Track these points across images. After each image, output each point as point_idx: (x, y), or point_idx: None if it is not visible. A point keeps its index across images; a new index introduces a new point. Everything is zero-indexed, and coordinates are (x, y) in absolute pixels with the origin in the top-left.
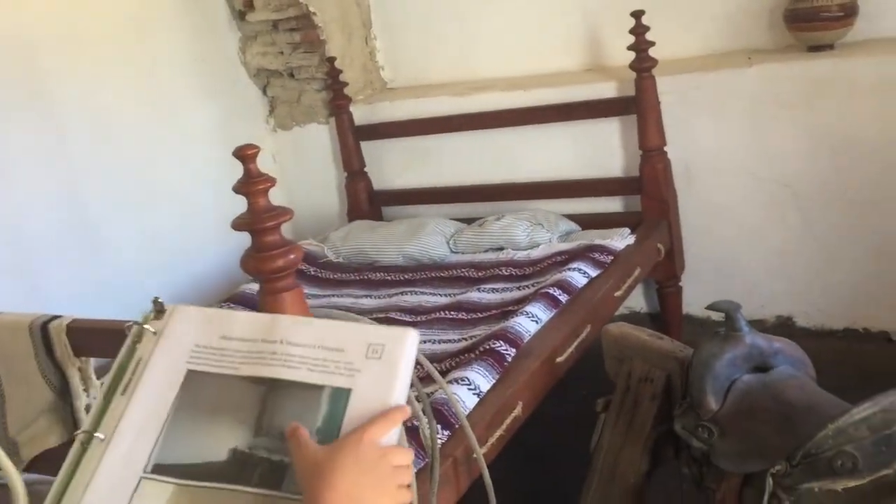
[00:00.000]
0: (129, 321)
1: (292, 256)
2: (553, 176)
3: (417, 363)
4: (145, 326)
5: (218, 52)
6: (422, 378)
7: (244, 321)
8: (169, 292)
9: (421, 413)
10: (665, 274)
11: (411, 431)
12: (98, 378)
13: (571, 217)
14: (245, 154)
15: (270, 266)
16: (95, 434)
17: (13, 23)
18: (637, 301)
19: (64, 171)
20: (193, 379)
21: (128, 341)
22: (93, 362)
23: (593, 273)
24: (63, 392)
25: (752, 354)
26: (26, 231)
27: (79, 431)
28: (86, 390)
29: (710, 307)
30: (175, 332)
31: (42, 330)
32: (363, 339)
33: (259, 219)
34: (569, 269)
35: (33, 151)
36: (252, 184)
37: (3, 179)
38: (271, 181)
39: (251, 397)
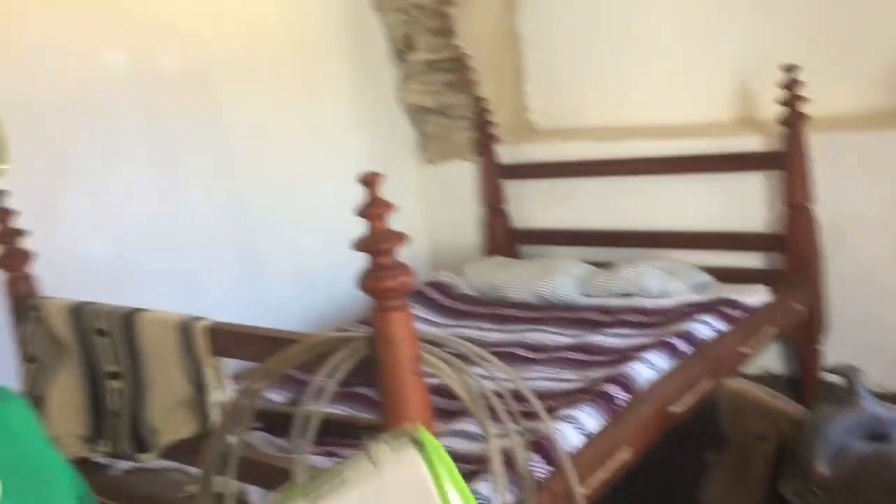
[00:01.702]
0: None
1: (404, 279)
2: (691, 226)
3: (524, 398)
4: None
5: (376, 87)
6: (528, 413)
7: None
8: (313, 311)
9: (519, 446)
10: (804, 335)
11: (510, 461)
12: (232, 379)
13: (707, 269)
14: (369, 180)
15: (382, 286)
16: None
17: (198, 60)
18: (772, 361)
19: (230, 192)
20: None
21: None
22: (231, 364)
23: (721, 327)
24: (199, 388)
25: (868, 422)
26: (194, 243)
27: None
28: (218, 388)
29: (829, 370)
30: (387, 481)
31: (186, 328)
32: None
33: (376, 241)
34: (695, 320)
35: (205, 172)
36: (373, 207)
37: (179, 196)
38: (390, 206)
39: None
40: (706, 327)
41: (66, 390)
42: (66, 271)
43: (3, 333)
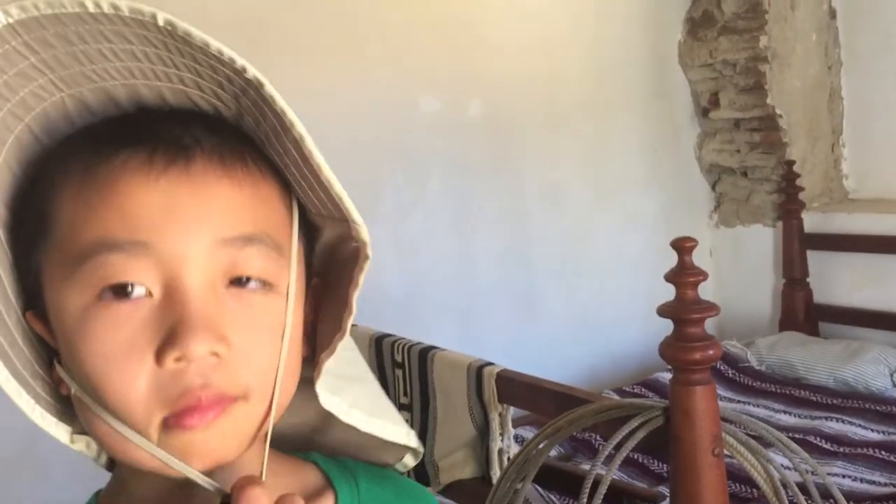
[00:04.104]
0: None
1: (711, 352)
2: None
3: (831, 497)
4: None
5: (673, 144)
6: None
7: None
8: (587, 362)
9: None
10: None
11: None
12: (514, 427)
13: None
14: (683, 245)
15: (688, 357)
16: None
17: (501, 109)
18: None
19: (516, 233)
20: None
21: None
22: (512, 411)
23: None
24: (483, 432)
25: None
26: (478, 280)
27: None
28: (501, 434)
29: None
30: None
31: (477, 372)
32: None
33: (685, 309)
34: None
35: (496, 216)
36: (685, 275)
37: (471, 237)
38: (703, 275)
39: None
40: None
41: None
42: (366, 301)
43: None
